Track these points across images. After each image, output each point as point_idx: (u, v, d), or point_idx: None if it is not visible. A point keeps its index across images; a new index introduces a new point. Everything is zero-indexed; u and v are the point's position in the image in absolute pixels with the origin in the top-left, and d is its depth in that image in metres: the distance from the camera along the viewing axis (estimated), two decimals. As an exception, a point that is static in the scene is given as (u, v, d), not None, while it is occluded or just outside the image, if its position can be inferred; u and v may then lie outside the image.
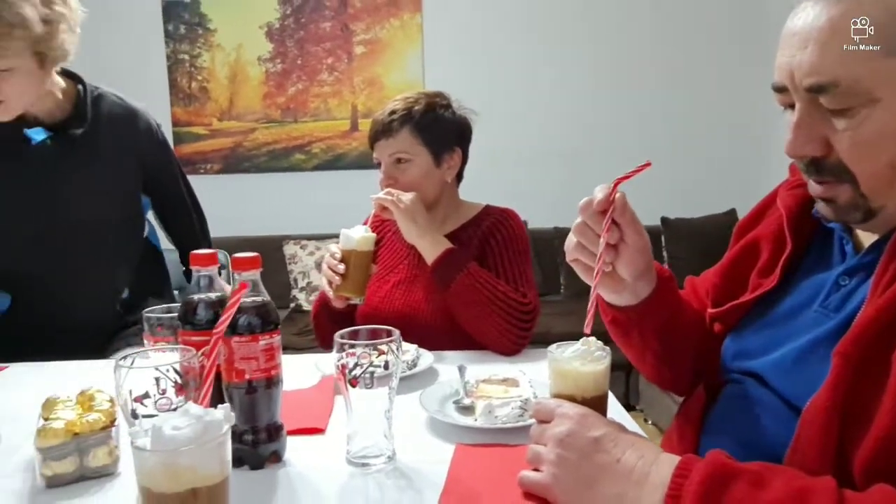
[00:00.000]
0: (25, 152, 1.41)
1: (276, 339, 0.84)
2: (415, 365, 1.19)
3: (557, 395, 0.79)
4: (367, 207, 1.43)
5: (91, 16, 1.42)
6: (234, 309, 0.71)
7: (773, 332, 0.82)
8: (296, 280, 3.56)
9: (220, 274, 0.94)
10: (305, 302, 3.50)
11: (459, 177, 1.55)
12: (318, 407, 1.04)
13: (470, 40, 3.78)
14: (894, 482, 0.59)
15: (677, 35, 3.82)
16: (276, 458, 0.86)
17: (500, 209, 1.50)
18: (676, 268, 3.54)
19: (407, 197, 1.38)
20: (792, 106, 0.73)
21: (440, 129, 1.45)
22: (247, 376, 0.82)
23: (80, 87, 1.49)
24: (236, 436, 0.82)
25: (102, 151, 1.49)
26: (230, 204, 3.66)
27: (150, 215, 1.72)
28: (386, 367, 0.81)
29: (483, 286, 1.32)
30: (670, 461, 0.66)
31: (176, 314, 0.93)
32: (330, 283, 1.36)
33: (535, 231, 3.05)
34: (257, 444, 0.84)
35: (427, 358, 1.23)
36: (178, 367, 0.76)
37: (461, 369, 1.12)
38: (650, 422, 3.00)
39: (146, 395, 0.74)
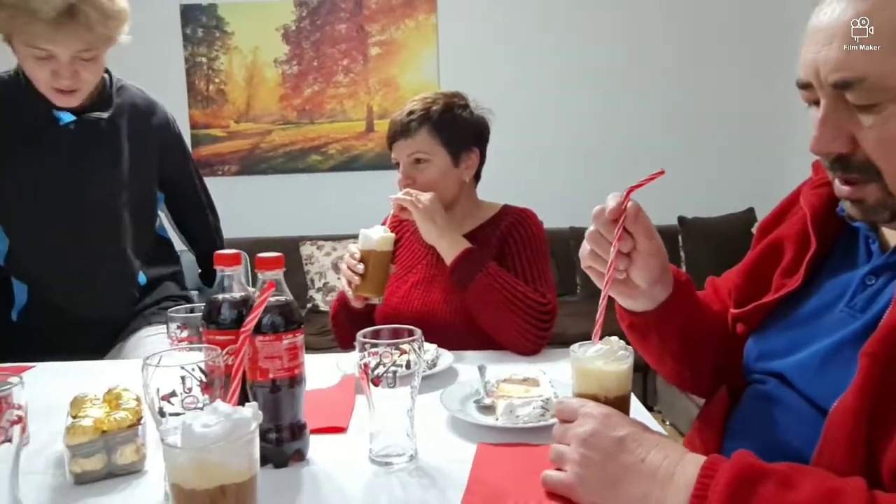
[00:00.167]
0: (54, 132, 1.46)
1: (300, 338, 0.85)
2: (434, 364, 1.19)
3: (580, 395, 0.79)
4: (382, 208, 1.44)
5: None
6: (262, 308, 0.72)
7: (797, 332, 0.81)
8: (312, 280, 3.58)
9: None
10: (322, 302, 3.52)
11: (477, 177, 1.55)
12: (339, 406, 1.05)
13: (485, 40, 3.78)
14: (925, 483, 0.58)
15: (694, 33, 3.79)
16: (300, 456, 0.87)
17: (518, 209, 1.50)
18: (694, 268, 3.51)
19: (426, 197, 1.38)
20: (817, 102, 0.72)
21: (458, 128, 1.45)
22: (271, 375, 0.83)
23: (106, 75, 1.54)
24: (260, 434, 0.82)
25: (123, 137, 1.54)
26: (247, 205, 3.69)
27: (161, 215, 1.75)
28: (408, 366, 0.82)
29: (502, 286, 1.32)
30: (696, 461, 0.65)
31: (199, 314, 0.94)
32: (349, 283, 1.37)
33: (551, 231, 3.00)
34: (281, 443, 0.85)
35: (447, 358, 1.23)
36: (203, 365, 0.77)
37: (481, 369, 1.12)
38: (668, 423, 2.97)
39: (173, 394, 0.74)
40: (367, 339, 0.82)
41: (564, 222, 3.58)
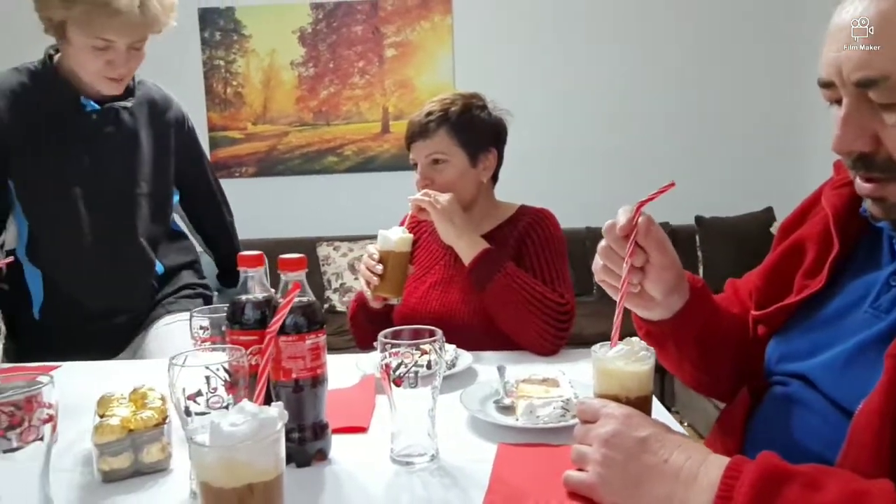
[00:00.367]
0: (79, 119, 1.51)
1: (322, 338, 0.86)
2: (454, 365, 1.19)
3: (601, 395, 0.79)
4: (398, 209, 1.44)
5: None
6: (288, 308, 0.73)
7: (820, 333, 0.80)
8: (329, 281, 3.60)
9: None
10: (339, 303, 3.54)
11: (495, 177, 1.55)
12: (360, 406, 1.06)
13: (500, 41, 3.78)
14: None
15: (712, 31, 3.77)
16: (322, 455, 0.88)
17: (536, 209, 1.50)
18: (711, 268, 3.48)
19: (444, 198, 1.39)
20: (839, 101, 0.72)
21: (476, 129, 1.46)
22: (294, 375, 0.84)
23: None
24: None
25: (143, 126, 1.59)
26: (264, 207, 3.72)
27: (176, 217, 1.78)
28: (429, 366, 0.82)
29: (521, 287, 1.32)
30: (719, 462, 0.65)
31: (223, 314, 0.95)
32: (368, 283, 1.37)
33: (567, 231, 2.97)
34: (304, 442, 0.86)
35: (466, 358, 1.23)
36: (227, 365, 0.78)
37: (500, 369, 1.13)
38: (686, 423, 2.96)
39: (199, 393, 0.76)
40: (388, 340, 0.83)
41: (580, 222, 3.57)
